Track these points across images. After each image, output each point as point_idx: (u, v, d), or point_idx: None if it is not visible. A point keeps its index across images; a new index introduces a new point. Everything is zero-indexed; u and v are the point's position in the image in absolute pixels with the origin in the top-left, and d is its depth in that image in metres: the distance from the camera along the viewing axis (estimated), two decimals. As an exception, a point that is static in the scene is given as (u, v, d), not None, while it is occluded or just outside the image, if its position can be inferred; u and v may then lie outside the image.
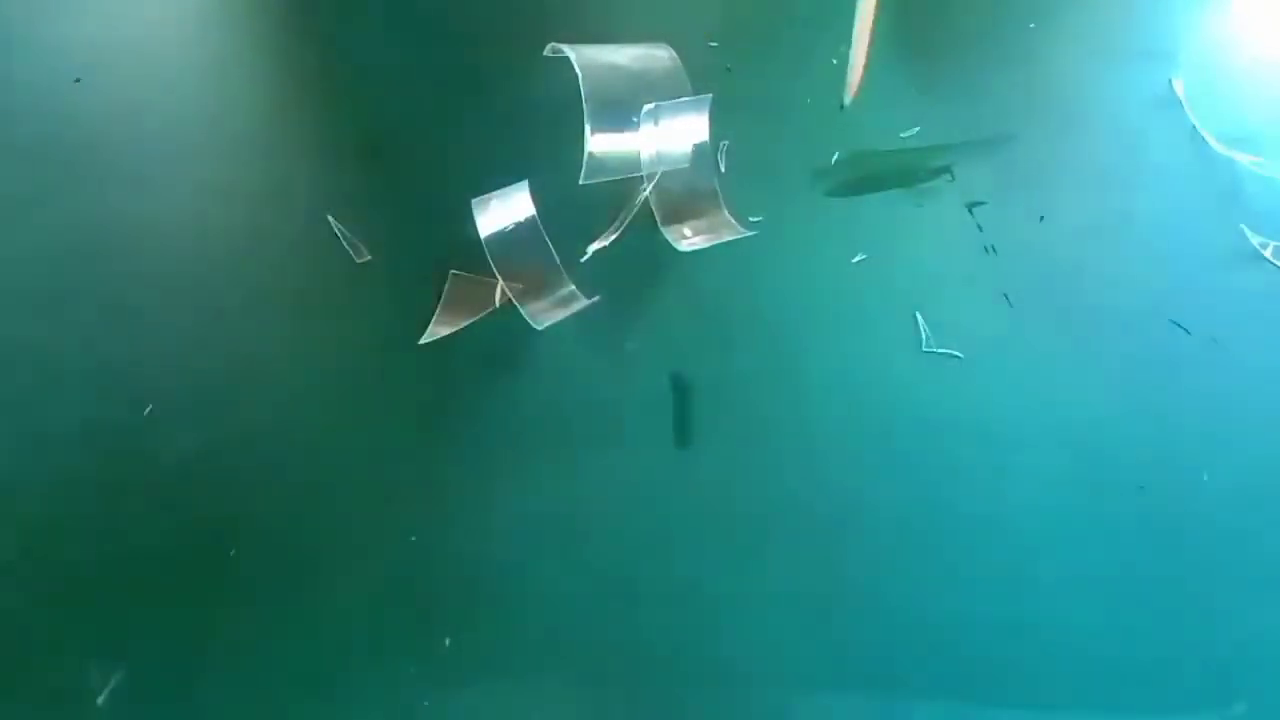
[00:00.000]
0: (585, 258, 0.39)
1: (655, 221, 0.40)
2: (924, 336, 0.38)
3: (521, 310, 0.37)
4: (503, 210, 0.38)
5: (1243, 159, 0.41)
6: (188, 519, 0.35)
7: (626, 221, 0.39)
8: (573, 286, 0.38)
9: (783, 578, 0.35)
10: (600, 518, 0.36)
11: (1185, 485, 0.36)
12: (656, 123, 0.38)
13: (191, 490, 0.36)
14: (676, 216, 0.40)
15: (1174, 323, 0.39)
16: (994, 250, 0.40)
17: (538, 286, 0.38)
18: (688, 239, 0.40)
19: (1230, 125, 0.42)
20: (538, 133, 0.42)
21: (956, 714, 0.33)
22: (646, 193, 0.39)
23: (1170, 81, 0.44)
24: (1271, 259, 0.40)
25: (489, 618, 0.34)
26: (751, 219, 0.40)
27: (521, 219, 0.38)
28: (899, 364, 0.38)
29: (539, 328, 0.37)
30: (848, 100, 0.40)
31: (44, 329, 0.39)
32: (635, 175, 0.39)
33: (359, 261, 0.40)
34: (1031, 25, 0.45)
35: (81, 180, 0.42)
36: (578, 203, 0.40)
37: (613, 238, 0.39)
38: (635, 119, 0.38)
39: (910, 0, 0.47)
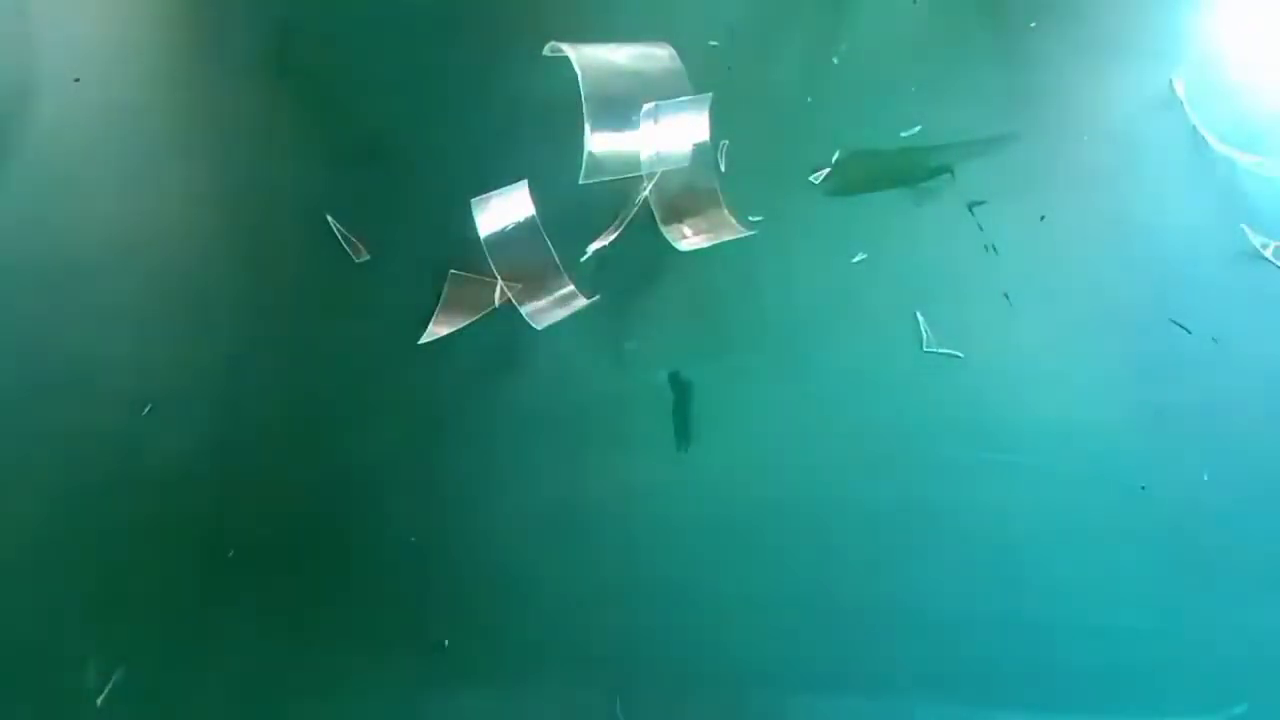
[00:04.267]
0: (585, 258, 0.39)
1: (655, 221, 0.40)
2: (924, 336, 0.38)
3: (521, 310, 0.37)
4: (503, 210, 0.38)
5: (1243, 159, 0.41)
6: (186, 519, 0.35)
7: (626, 221, 0.39)
8: (572, 286, 0.38)
9: (783, 578, 0.35)
10: (600, 518, 0.36)
11: (1186, 485, 0.36)
12: (656, 122, 0.38)
13: (189, 490, 0.36)
14: (676, 216, 0.40)
15: (1174, 322, 0.39)
16: (994, 250, 0.40)
17: (538, 286, 0.38)
18: (688, 239, 0.40)
19: (1230, 125, 0.42)
20: (538, 133, 0.42)
21: (957, 715, 0.33)
22: (646, 192, 0.39)
23: (1170, 81, 0.44)
24: (1272, 259, 0.40)
25: (489, 618, 0.34)
26: (751, 219, 0.40)
27: (521, 219, 0.38)
28: (899, 364, 0.38)
29: (539, 328, 0.37)
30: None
31: (44, 329, 0.39)
32: (635, 175, 0.39)
33: (358, 261, 0.40)
34: (1032, 25, 0.45)
35: (80, 180, 0.42)
36: (578, 203, 0.40)
37: (613, 238, 0.39)
38: (635, 118, 0.38)
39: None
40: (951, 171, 0.42)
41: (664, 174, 0.39)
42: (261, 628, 0.33)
